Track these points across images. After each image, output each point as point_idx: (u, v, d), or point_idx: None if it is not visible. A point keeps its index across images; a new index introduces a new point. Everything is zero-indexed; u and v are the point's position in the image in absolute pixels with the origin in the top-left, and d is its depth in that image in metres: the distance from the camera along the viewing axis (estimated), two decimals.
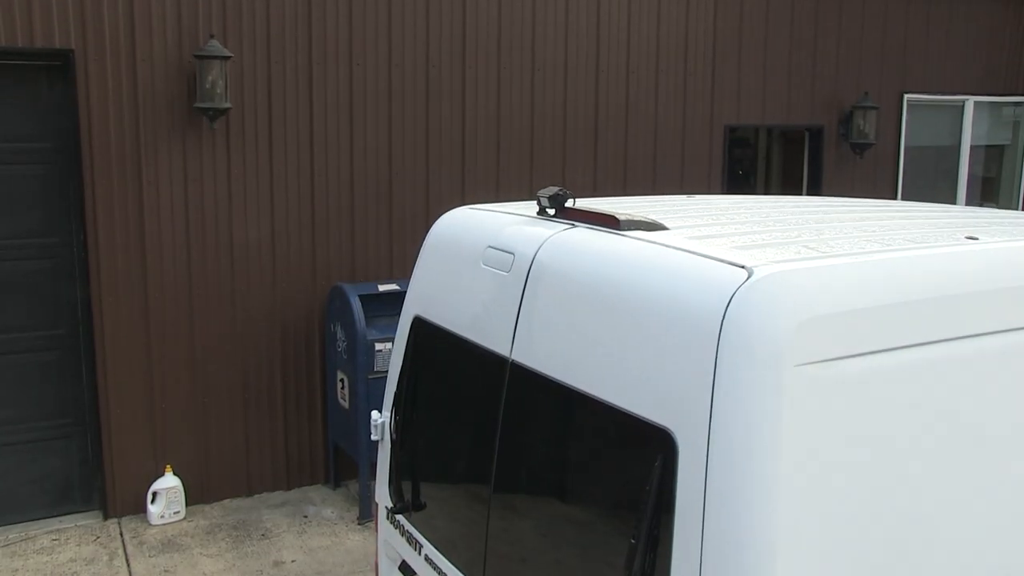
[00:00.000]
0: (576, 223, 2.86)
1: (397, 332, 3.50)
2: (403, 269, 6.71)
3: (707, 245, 2.46)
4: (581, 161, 7.39)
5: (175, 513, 6.15)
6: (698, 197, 3.91)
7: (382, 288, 6.43)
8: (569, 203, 2.97)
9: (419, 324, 3.34)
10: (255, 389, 6.49)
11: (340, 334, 6.30)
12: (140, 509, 6.22)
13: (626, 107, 7.54)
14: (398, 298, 6.22)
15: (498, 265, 2.91)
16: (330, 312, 6.48)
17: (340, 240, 6.59)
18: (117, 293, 6.02)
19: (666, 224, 2.76)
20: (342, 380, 6.37)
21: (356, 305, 6.13)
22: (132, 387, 6.14)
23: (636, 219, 2.71)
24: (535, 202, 3.06)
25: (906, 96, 8.98)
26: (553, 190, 2.95)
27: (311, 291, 6.54)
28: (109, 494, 6.17)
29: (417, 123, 6.73)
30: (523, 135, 7.12)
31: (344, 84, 6.47)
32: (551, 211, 3.00)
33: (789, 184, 9.67)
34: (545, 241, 2.79)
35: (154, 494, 6.16)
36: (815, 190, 8.75)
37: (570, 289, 2.58)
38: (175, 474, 6.27)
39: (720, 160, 8.04)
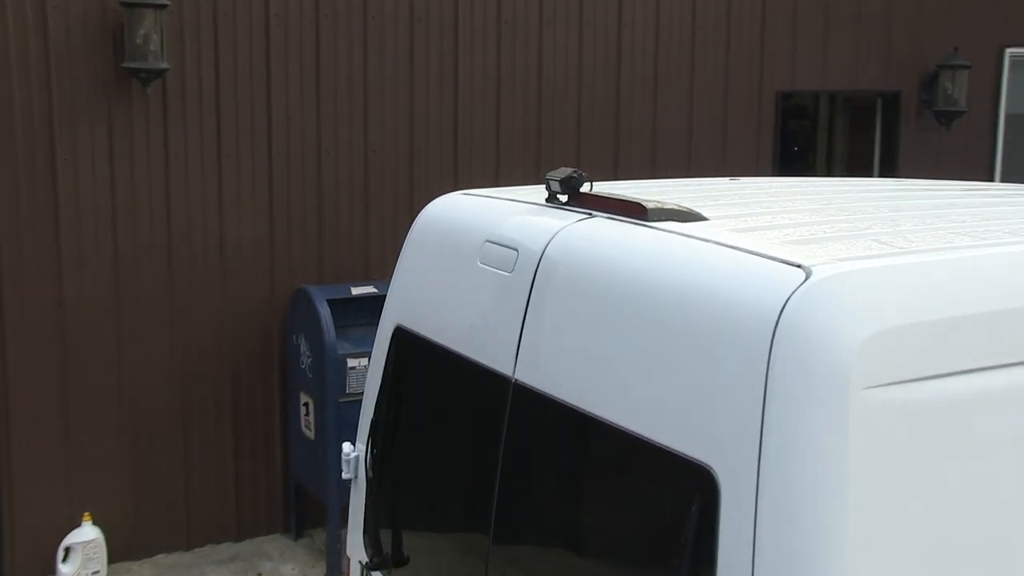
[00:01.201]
0: (594, 212, 2.86)
1: (374, 345, 3.51)
2: (382, 268, 6.72)
3: (755, 239, 2.47)
4: (600, 136, 7.41)
5: (94, 574, 6.09)
6: (744, 180, 3.91)
7: (356, 291, 6.43)
8: (585, 187, 2.98)
9: (401, 336, 3.35)
10: (198, 416, 6.51)
11: (304, 348, 6.31)
12: (48, 570, 6.16)
13: (655, 69, 7.56)
14: (376, 303, 6.23)
15: (498, 264, 2.92)
16: (292, 321, 6.49)
17: (304, 233, 6.61)
18: (23, 299, 6.01)
19: (704, 213, 2.77)
20: (306, 404, 6.38)
21: (324, 312, 6.15)
22: (40, 415, 6.11)
23: (667, 207, 2.71)
24: (543, 186, 3.07)
25: (1008, 52, 8.89)
26: (566, 172, 2.96)
27: (269, 295, 6.56)
28: (6, 551, 6.08)
29: (399, 91, 6.75)
30: (529, 105, 7.14)
31: (309, 42, 6.49)
32: (563, 197, 3.01)
33: (857, 163, 9.69)
34: (556, 234, 2.79)
35: (67, 550, 6.05)
36: (890, 170, 8.76)
37: (586, 294, 2.59)
38: (95, 524, 6.22)
39: (771, 134, 8.06)
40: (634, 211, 2.72)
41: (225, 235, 6.42)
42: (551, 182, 3.01)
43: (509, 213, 3.08)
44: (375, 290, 6.39)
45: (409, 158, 6.85)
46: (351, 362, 6.12)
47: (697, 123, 7.74)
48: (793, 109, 10.27)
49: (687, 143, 7.72)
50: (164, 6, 5.98)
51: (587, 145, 7.37)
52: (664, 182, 3.84)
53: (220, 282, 6.44)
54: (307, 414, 6.39)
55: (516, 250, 2.87)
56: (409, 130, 6.82)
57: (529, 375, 2.73)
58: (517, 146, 7.15)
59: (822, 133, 10.73)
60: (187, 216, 6.31)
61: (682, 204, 2.80)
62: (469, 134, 6.99)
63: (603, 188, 3.08)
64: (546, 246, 2.78)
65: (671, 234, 2.56)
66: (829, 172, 10.44)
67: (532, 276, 2.78)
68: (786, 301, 2.12)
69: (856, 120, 10.05)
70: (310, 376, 6.29)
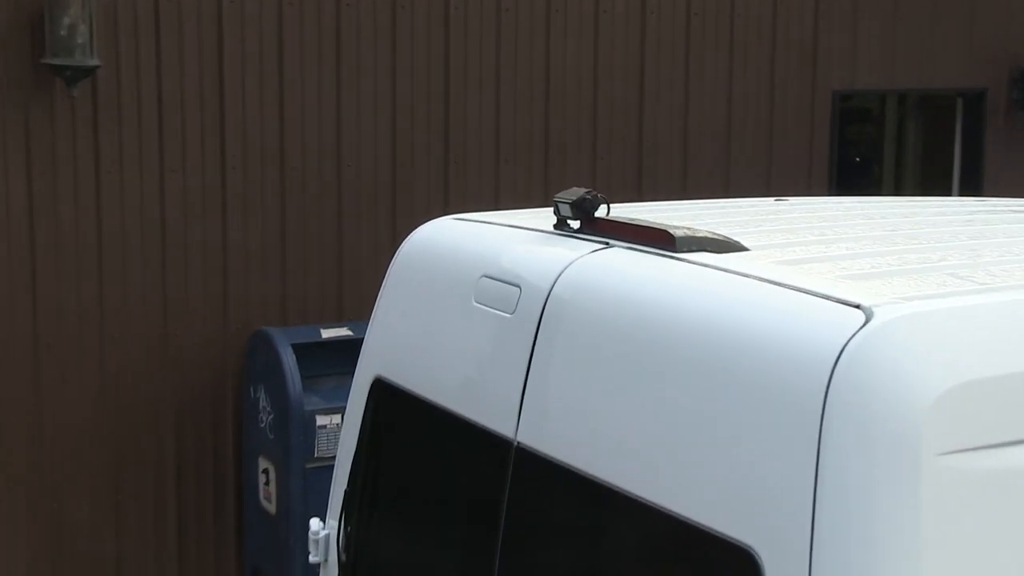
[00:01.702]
0: (612, 241, 2.89)
1: (349, 400, 3.52)
2: (358, 307, 6.73)
3: (804, 274, 2.49)
4: (618, 148, 7.44)
5: None
6: (793, 200, 3.94)
7: (327, 334, 6.44)
8: (602, 211, 3.00)
9: (382, 389, 3.36)
10: (133, 488, 6.50)
11: (264, 402, 6.31)
12: None
13: (685, 67, 7.59)
14: (351, 349, 6.20)
15: (498, 303, 2.94)
16: (250, 370, 6.51)
17: (266, 265, 6.63)
18: None
19: (744, 242, 2.79)
20: (266, 471, 6.38)
21: (288, 359, 6.16)
22: None
23: (699, 235, 2.73)
24: (551, 210, 3.10)
25: None
26: (578, 192, 2.99)
27: (222, 339, 6.57)
28: None
29: (380, 95, 6.78)
30: (534, 111, 7.17)
31: (270, 34, 6.53)
32: (575, 223, 3.03)
33: (933, 177, 9.70)
34: (567, 268, 2.81)
35: None
36: (973, 185, 8.77)
37: (603, 340, 2.60)
38: None
39: (826, 143, 8.09)
40: (660, 240, 2.74)
41: (168, 265, 6.44)
42: (561, 205, 3.03)
43: (510, 242, 3.10)
44: (350, 333, 6.39)
45: (391, 174, 6.87)
46: (321, 420, 6.12)
47: (737, 132, 7.76)
48: (853, 113, 10.30)
49: (724, 155, 7.74)
50: None
51: (604, 159, 7.39)
52: (696, 204, 3.87)
53: (162, 323, 6.45)
54: (267, 483, 6.38)
55: (518, 287, 2.89)
56: (391, 140, 6.84)
57: (534, 437, 2.74)
58: (520, 160, 7.17)
59: (889, 142, 10.76)
60: (122, 242, 6.33)
61: (717, 231, 2.82)
62: (462, 146, 7.02)
63: (623, 212, 3.11)
64: (554, 282, 2.80)
65: (703, 268, 2.58)
66: (898, 189, 10.46)
67: (538, 318, 2.80)
68: (842, 349, 2.13)
69: (931, 125, 10.08)
70: (271, 437, 6.29)
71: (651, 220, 2.90)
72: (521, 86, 7.14)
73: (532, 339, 2.80)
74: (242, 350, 6.58)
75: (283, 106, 6.60)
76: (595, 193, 2.99)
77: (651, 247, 2.76)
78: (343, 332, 6.44)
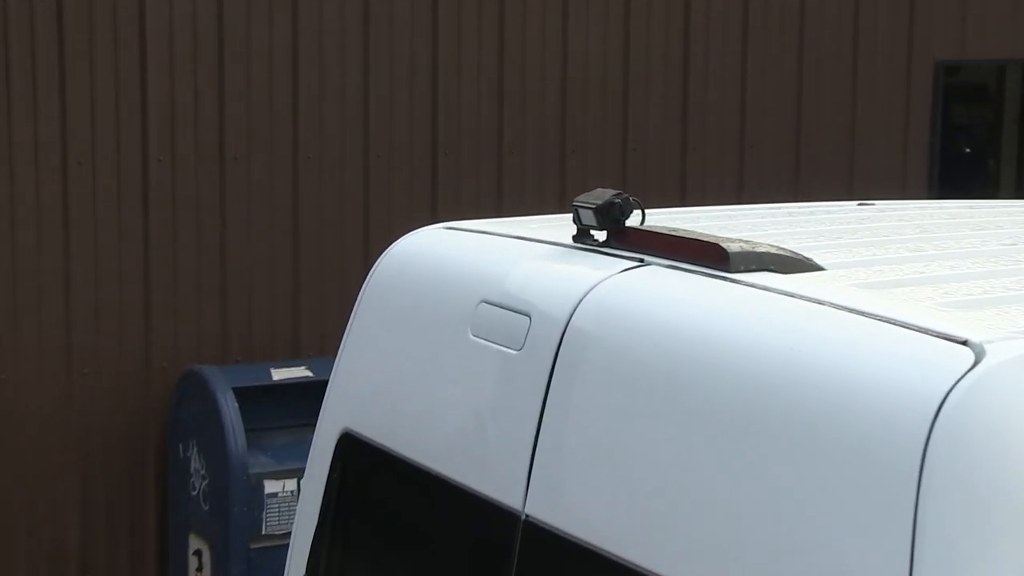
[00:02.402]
0: (648, 257, 2.89)
1: (309, 461, 3.52)
2: (320, 341, 6.74)
3: (895, 300, 2.50)
4: (657, 140, 7.45)
5: None
6: (881, 204, 3.95)
7: (279, 376, 6.45)
8: (634, 219, 3.02)
9: (351, 447, 3.36)
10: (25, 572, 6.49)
11: (197, 463, 6.32)
12: None
13: (743, 37, 7.61)
14: (310, 395, 6.20)
15: (501, 337, 2.95)
16: (177, 422, 6.51)
17: (199, 288, 6.63)
18: None
19: (818, 259, 2.81)
20: (199, 553, 6.37)
21: (228, 408, 6.16)
22: None
23: (760, 250, 2.75)
24: (570, 217, 3.10)
25: None
26: (605, 195, 2.99)
27: (142, 381, 6.57)
28: None
29: (348, 70, 6.79)
30: (549, 94, 7.18)
31: (206, 16, 6.55)
32: (600, 234, 3.04)
33: None
34: (589, 292, 2.82)
35: None
36: None
37: (637, 386, 2.61)
38: None
39: (926, 128, 8.09)
40: (710, 256, 2.76)
41: (73, 284, 6.45)
42: (582, 210, 3.03)
43: (517, 258, 3.11)
44: (309, 374, 6.41)
45: (363, 170, 6.88)
46: (271, 486, 6.13)
47: (809, 116, 7.77)
48: (962, 89, 10.30)
49: (793, 148, 7.75)
50: None
51: (638, 153, 7.40)
52: (756, 209, 3.87)
53: (64, 361, 6.46)
54: (199, 568, 6.38)
55: (528, 316, 2.90)
56: (362, 127, 6.86)
57: (548, 510, 2.75)
58: (529, 153, 7.18)
59: (1009, 126, 10.75)
60: (11, 253, 6.34)
61: (784, 245, 2.83)
62: (455, 135, 7.02)
63: (661, 219, 3.12)
64: (574, 310, 2.81)
65: (765, 293, 2.59)
66: (1020, 191, 10.45)
67: (552, 357, 2.81)
68: (945, 397, 2.15)
69: None
70: (205, 508, 6.30)
71: (698, 231, 2.91)
72: (531, 59, 7.15)
73: (545, 384, 2.80)
74: (169, 396, 6.59)
75: (223, 89, 6.62)
76: (626, 195, 2.98)
77: (699, 266, 2.76)
78: (300, 373, 6.45)
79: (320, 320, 6.78)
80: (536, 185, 7.16)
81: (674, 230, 2.92)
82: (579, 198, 3.04)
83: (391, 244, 3.48)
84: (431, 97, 6.99)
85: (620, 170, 7.32)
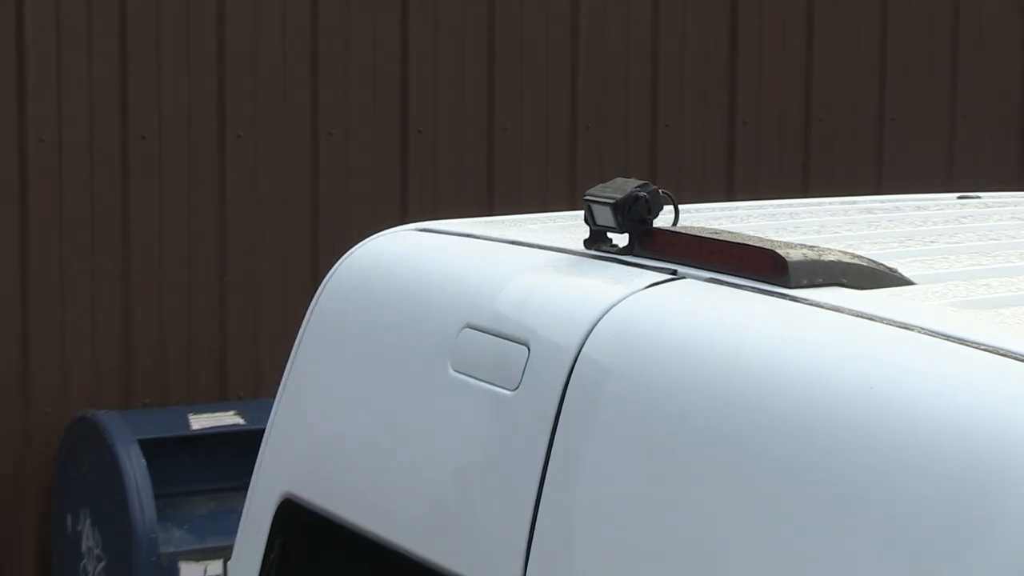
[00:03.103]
0: (682, 268, 2.91)
1: (239, 535, 3.54)
2: (253, 379, 6.78)
3: (1003, 323, 2.51)
4: (695, 113, 7.49)
5: None
6: (988, 197, 3.96)
7: (199, 424, 6.46)
8: (663, 219, 3.03)
9: (293, 517, 3.38)
10: None
11: (91, 539, 6.31)
12: None
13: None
14: (242, 449, 6.22)
15: (491, 373, 2.97)
16: (64, 485, 6.54)
17: (95, 305, 6.66)
18: None
19: (903, 271, 2.81)
20: None
21: (132, 466, 6.18)
22: None
23: (829, 259, 2.76)
24: (581, 215, 3.10)
25: None
26: (626, 186, 2.99)
27: (18, 432, 6.59)
28: None
29: (294, 38, 6.85)
30: (556, 73, 7.23)
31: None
32: (620, 238, 3.06)
33: None
34: (606, 314, 2.84)
35: None
36: None
37: (670, 434, 2.62)
38: None
39: None
40: (764, 266, 2.77)
41: None
42: (596, 207, 3.04)
43: (511, 270, 3.13)
44: (239, 421, 6.44)
45: (310, 151, 6.92)
46: (188, 570, 6.15)
47: (894, 83, 7.82)
48: None
49: (874, 124, 7.79)
50: None
51: (673, 128, 7.44)
52: (824, 204, 3.88)
53: None
54: None
55: (526, 345, 2.92)
56: (310, 105, 6.90)
57: None
58: (527, 129, 7.22)
59: None
60: None
61: (859, 251, 2.85)
62: (431, 105, 7.07)
63: (700, 219, 3.13)
64: (586, 338, 2.83)
65: (836, 314, 2.60)
66: None
67: (558, 399, 2.82)
68: None
69: None
70: None
71: (747, 233, 2.92)
72: (533, 39, 7.19)
73: (548, 433, 2.81)
74: (54, 450, 6.61)
75: (126, 54, 6.68)
76: (654, 187, 3.00)
77: (749, 279, 2.78)
78: (227, 420, 6.48)
79: (253, 353, 6.81)
80: (536, 171, 7.20)
81: (716, 232, 2.93)
82: (592, 190, 3.05)
83: (347, 251, 3.48)
84: (401, 89, 7.04)
85: (649, 152, 7.36)
